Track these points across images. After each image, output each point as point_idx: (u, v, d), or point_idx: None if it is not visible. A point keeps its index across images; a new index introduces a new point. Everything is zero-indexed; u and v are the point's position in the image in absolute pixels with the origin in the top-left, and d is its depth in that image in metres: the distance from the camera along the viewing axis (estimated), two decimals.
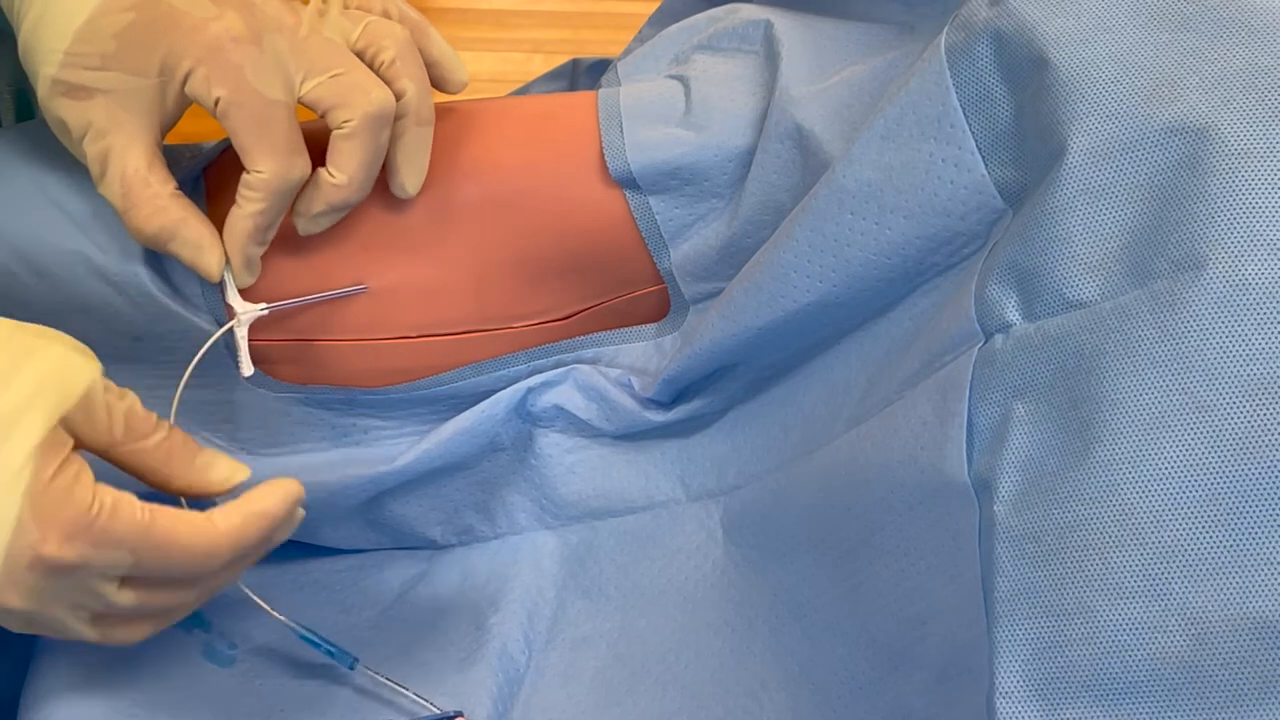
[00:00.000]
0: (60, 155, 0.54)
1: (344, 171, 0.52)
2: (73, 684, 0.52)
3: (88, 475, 0.44)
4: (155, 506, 0.44)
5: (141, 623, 0.47)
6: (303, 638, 0.54)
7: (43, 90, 0.49)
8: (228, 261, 0.52)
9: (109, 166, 0.50)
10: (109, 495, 0.43)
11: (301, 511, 0.49)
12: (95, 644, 0.47)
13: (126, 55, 0.48)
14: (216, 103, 0.49)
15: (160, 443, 0.47)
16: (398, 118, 0.53)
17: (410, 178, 0.54)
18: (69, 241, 0.53)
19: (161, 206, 0.50)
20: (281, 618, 0.53)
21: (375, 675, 0.54)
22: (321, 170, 0.52)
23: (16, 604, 0.43)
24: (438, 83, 0.56)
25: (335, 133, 0.51)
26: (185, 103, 0.50)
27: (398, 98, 0.52)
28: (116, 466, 0.47)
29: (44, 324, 0.52)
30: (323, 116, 0.51)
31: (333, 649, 0.54)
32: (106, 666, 0.53)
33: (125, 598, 0.45)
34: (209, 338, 0.53)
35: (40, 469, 0.42)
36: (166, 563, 0.45)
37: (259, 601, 0.53)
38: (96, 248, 0.53)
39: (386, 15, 0.55)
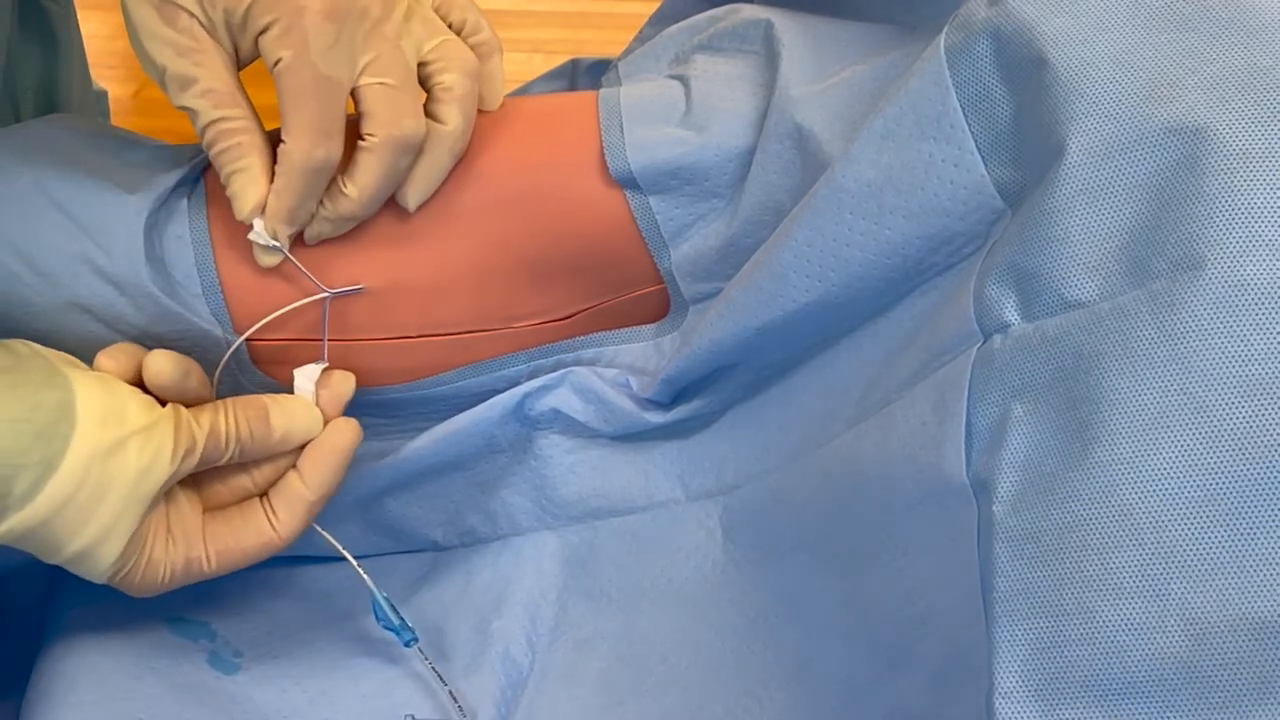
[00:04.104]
0: (61, 155, 0.54)
1: (355, 184, 0.52)
2: (75, 689, 0.52)
3: (159, 551, 0.50)
4: (218, 545, 0.52)
5: None
6: (374, 605, 0.56)
7: None
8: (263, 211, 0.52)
9: (197, 80, 0.50)
10: (179, 559, 0.51)
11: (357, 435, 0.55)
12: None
13: None
14: (276, 63, 0.50)
15: (234, 454, 0.52)
16: (432, 141, 0.53)
17: (415, 194, 0.54)
18: (71, 242, 0.53)
19: (247, 126, 0.51)
20: (365, 576, 0.55)
21: (427, 662, 0.55)
22: (338, 176, 0.52)
23: None
24: None
25: (359, 143, 0.52)
26: (255, 54, 0.51)
27: (442, 123, 0.53)
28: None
29: (47, 324, 0.52)
30: (358, 118, 0.52)
31: (395, 625, 0.55)
32: (110, 672, 0.53)
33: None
34: (208, 336, 0.54)
35: (120, 568, 0.49)
36: (246, 565, 0.53)
37: (347, 555, 0.55)
38: (99, 248, 0.53)
39: (463, 25, 0.56)
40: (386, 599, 0.56)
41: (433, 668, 0.55)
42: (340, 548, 0.55)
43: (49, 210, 0.53)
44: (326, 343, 0.56)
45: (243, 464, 0.53)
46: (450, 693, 0.55)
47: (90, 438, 0.46)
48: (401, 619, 0.56)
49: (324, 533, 0.55)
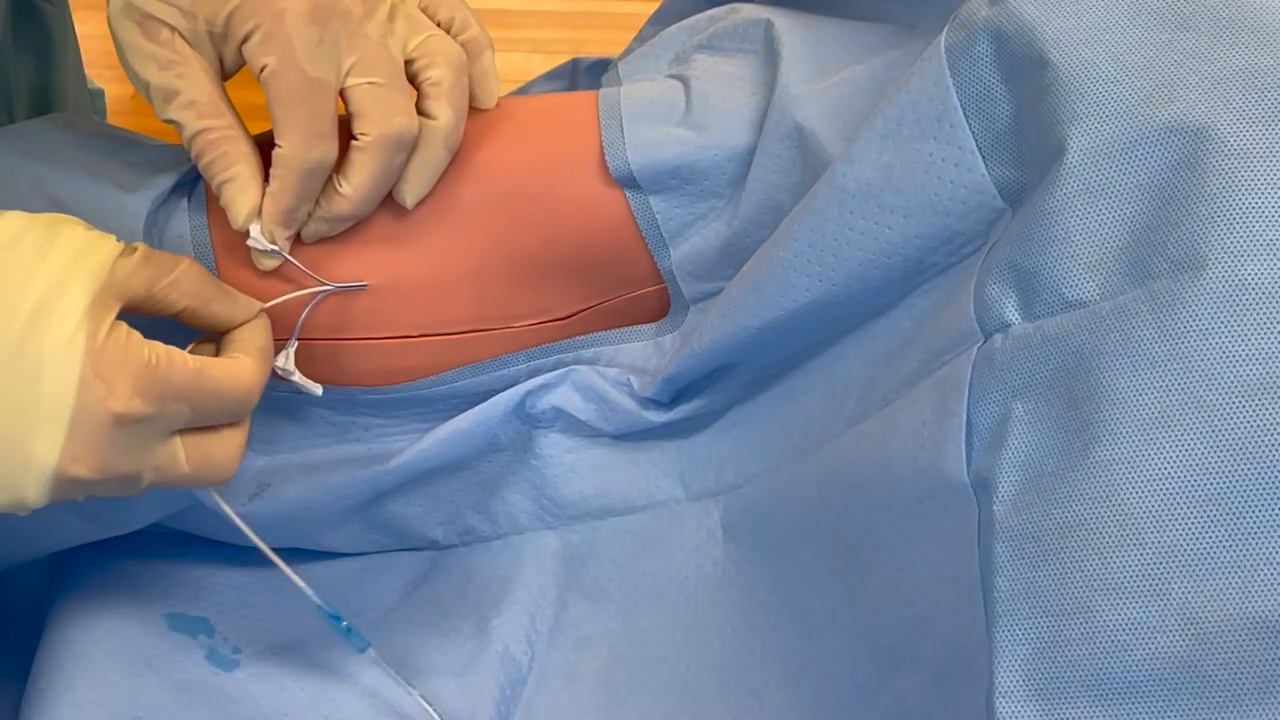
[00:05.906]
0: (60, 155, 0.54)
1: (350, 183, 0.52)
2: (74, 687, 0.52)
3: (137, 334, 0.46)
4: (199, 356, 0.48)
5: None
6: (323, 611, 0.55)
7: (115, 6, 0.50)
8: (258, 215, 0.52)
9: (180, 93, 0.50)
10: (161, 348, 0.46)
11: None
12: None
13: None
14: (263, 69, 0.50)
15: (188, 270, 0.49)
16: (425, 136, 0.53)
17: (412, 191, 0.54)
18: None
19: (232, 135, 0.51)
20: (305, 587, 0.54)
21: (384, 665, 0.55)
22: (332, 176, 0.52)
23: (84, 473, 0.44)
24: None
25: (352, 142, 0.52)
26: (241, 62, 0.51)
27: (433, 118, 0.53)
28: (157, 315, 0.49)
29: None
30: (349, 119, 0.52)
31: (347, 630, 0.55)
32: (109, 669, 0.53)
33: (182, 454, 0.48)
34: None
35: (94, 330, 0.44)
36: (220, 404, 0.48)
37: (283, 566, 0.54)
38: None
39: (451, 23, 0.56)
40: (330, 606, 0.55)
41: (392, 673, 0.55)
42: (270, 551, 0.54)
43: (47, 209, 0.53)
44: (324, 342, 0.56)
45: None
46: (421, 696, 0.54)
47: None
48: (349, 626, 0.55)
49: (258, 540, 0.53)
